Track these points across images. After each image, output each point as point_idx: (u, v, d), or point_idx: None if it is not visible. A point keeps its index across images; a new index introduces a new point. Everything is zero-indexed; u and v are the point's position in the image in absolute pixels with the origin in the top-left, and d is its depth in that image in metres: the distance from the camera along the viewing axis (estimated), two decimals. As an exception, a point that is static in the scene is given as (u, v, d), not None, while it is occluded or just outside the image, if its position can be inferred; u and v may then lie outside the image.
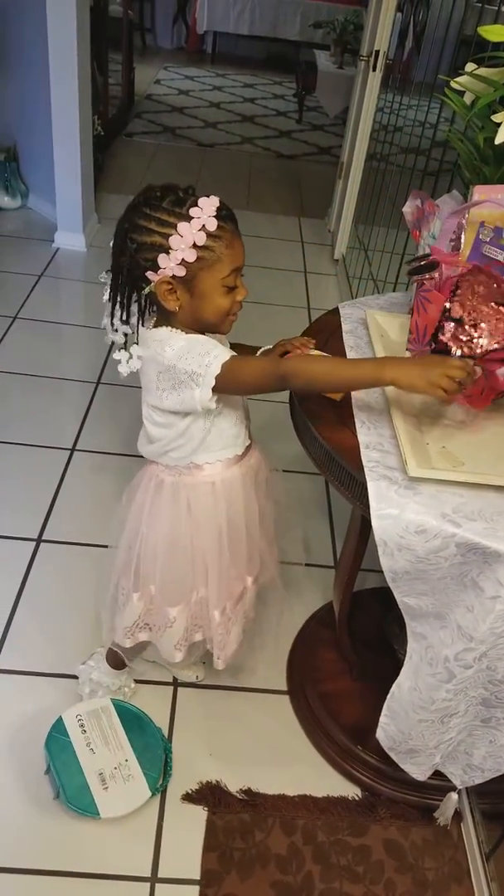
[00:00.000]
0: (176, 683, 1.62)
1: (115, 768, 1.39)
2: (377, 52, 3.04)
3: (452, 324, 1.07)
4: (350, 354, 1.30)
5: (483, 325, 1.06)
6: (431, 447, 1.09)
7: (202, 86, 6.70)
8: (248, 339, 1.30)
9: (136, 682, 1.60)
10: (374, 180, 3.20)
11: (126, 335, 1.17)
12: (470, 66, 1.28)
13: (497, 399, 1.15)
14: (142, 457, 1.28)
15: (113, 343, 1.17)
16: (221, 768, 1.47)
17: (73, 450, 2.26)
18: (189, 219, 1.03)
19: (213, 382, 1.07)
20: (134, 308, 1.16)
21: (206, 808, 1.40)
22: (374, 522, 0.99)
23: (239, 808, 1.41)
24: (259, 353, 1.28)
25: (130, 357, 1.14)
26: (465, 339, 1.06)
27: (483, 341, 1.06)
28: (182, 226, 1.03)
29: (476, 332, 1.06)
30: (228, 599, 1.33)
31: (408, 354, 1.25)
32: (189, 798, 1.42)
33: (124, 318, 1.15)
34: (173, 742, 1.50)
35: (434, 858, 1.38)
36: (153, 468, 1.26)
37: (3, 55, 3.41)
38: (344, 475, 1.09)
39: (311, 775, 1.49)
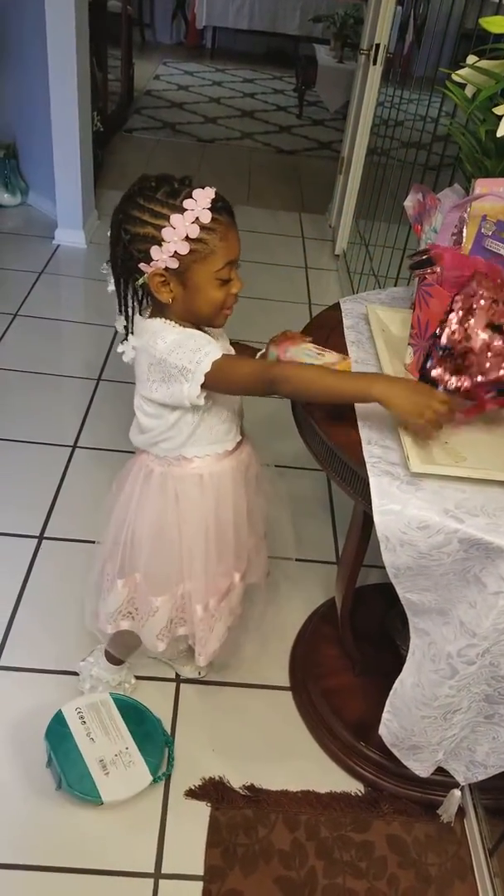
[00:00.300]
0: (178, 680, 1.62)
1: (116, 755, 1.40)
2: (377, 46, 3.02)
3: (441, 353, 1.05)
4: (351, 349, 1.30)
5: (473, 357, 1.04)
6: (433, 442, 1.08)
7: (202, 81, 6.68)
8: (248, 336, 1.29)
9: (139, 678, 1.60)
10: (375, 175, 3.19)
11: (124, 326, 1.18)
12: (471, 59, 1.27)
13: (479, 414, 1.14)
14: (142, 453, 1.28)
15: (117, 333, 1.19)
16: (224, 764, 1.47)
17: (74, 447, 2.26)
18: (182, 210, 1.02)
19: (202, 379, 1.07)
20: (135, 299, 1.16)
21: (209, 804, 1.40)
22: (377, 518, 0.99)
23: (242, 803, 1.41)
24: (258, 356, 1.27)
25: (124, 350, 1.16)
26: (451, 378, 1.04)
27: (469, 380, 1.04)
28: (175, 218, 1.02)
29: (465, 361, 1.04)
30: (213, 595, 1.32)
31: (410, 349, 1.25)
32: (192, 794, 1.42)
33: (121, 308, 1.16)
34: (176, 738, 1.50)
35: (437, 854, 1.38)
36: (143, 457, 1.26)
37: (2, 52, 3.40)
38: (346, 471, 1.09)
39: (314, 771, 1.49)
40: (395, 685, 1.20)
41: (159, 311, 1.14)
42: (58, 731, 1.41)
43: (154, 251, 1.05)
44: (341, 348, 1.30)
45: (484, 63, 1.25)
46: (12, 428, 2.29)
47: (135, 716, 1.47)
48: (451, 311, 1.06)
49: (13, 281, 3.10)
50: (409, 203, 1.33)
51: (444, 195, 1.27)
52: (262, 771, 1.47)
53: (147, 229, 1.04)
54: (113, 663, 1.53)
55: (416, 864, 1.35)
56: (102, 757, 1.39)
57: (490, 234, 1.11)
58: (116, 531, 1.30)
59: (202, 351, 1.07)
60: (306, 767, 1.49)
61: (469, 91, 1.29)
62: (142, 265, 1.07)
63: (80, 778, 1.35)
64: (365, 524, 1.37)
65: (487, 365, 1.03)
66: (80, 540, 1.92)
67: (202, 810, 1.40)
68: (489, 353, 1.04)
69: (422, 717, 1.17)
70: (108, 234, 1.10)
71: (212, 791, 1.42)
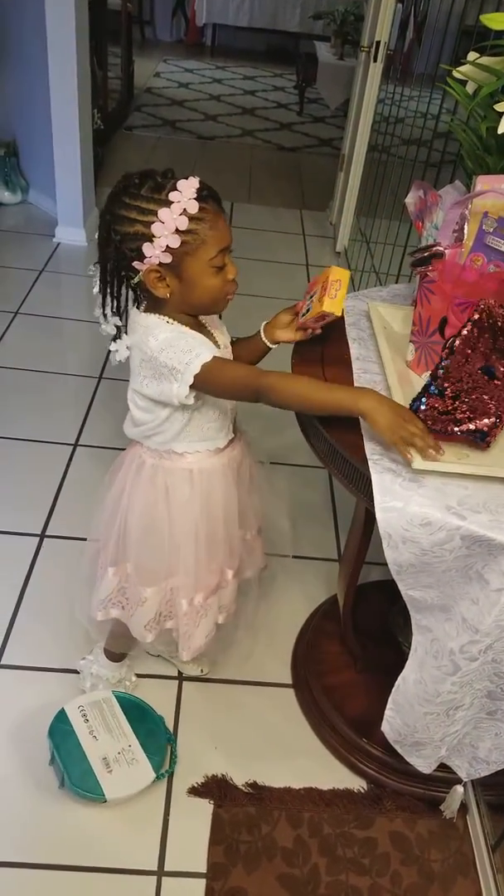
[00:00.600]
0: (181, 677, 1.63)
1: (119, 753, 1.40)
2: (378, 43, 3.02)
3: (434, 396, 1.05)
4: (353, 347, 1.30)
5: (465, 403, 1.05)
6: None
7: (202, 78, 6.67)
8: (250, 333, 1.29)
9: (142, 676, 1.60)
10: (376, 172, 3.19)
11: (118, 326, 1.18)
12: (472, 55, 1.27)
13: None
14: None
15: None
16: (227, 762, 1.48)
17: (75, 445, 2.26)
18: (169, 204, 1.02)
19: (191, 380, 1.07)
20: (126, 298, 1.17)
21: (212, 802, 1.41)
22: (379, 515, 0.99)
23: (245, 801, 1.41)
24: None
25: (118, 348, 1.16)
26: (440, 426, 1.05)
27: (459, 426, 1.05)
28: (163, 212, 1.02)
29: (455, 404, 1.05)
30: (200, 591, 1.32)
31: (411, 346, 1.25)
32: (195, 792, 1.42)
33: (115, 309, 1.16)
34: (178, 736, 1.51)
35: (440, 850, 1.38)
36: (137, 448, 1.27)
37: (3, 50, 3.40)
38: (348, 468, 1.09)
39: (317, 768, 1.49)
40: (397, 682, 1.20)
41: (155, 306, 1.14)
42: (61, 730, 1.42)
43: (146, 248, 1.05)
44: (343, 346, 1.30)
45: (485, 60, 1.25)
46: (13, 426, 2.29)
47: (137, 713, 1.47)
48: (452, 351, 1.07)
49: (14, 279, 3.10)
50: (411, 200, 1.33)
51: (445, 192, 1.27)
52: (265, 768, 1.47)
53: (136, 227, 1.04)
54: (112, 660, 1.54)
55: (418, 861, 1.36)
56: (105, 755, 1.39)
57: (492, 230, 1.11)
58: (109, 520, 1.31)
59: (193, 352, 1.07)
60: (309, 764, 1.50)
61: (470, 88, 1.29)
62: (135, 264, 1.07)
63: (83, 776, 1.36)
64: (367, 521, 1.37)
65: (468, 415, 1.05)
66: (82, 538, 1.90)
67: (205, 808, 1.40)
68: (482, 397, 1.05)
69: (424, 713, 1.17)
70: (97, 236, 1.10)
71: (214, 788, 1.42)
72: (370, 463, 1.02)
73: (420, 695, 1.15)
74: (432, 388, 1.06)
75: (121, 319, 1.17)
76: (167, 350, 1.08)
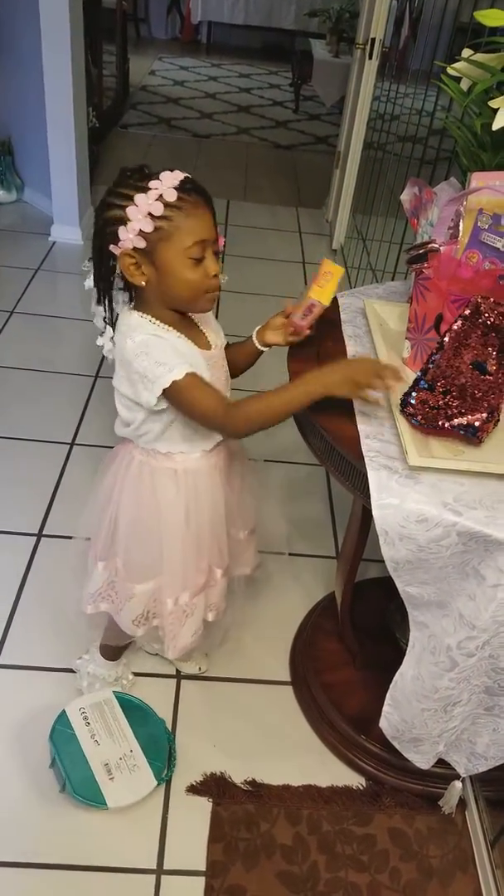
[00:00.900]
0: (179, 676, 1.63)
1: (121, 759, 1.39)
2: (373, 40, 3.01)
3: (424, 390, 1.06)
4: (349, 344, 1.30)
5: (455, 398, 1.05)
6: (432, 436, 1.08)
7: (197, 76, 6.66)
8: (246, 331, 1.29)
9: (139, 674, 1.60)
10: (372, 169, 3.19)
11: (105, 319, 1.19)
12: (467, 52, 1.27)
13: None
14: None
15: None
16: (226, 759, 1.48)
17: (72, 444, 2.25)
18: (146, 190, 1.04)
19: (159, 393, 1.08)
20: (121, 298, 1.18)
21: (210, 800, 1.41)
22: (375, 512, 0.99)
23: (244, 798, 1.41)
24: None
25: (104, 343, 1.18)
26: (431, 421, 1.05)
27: (450, 420, 1.05)
28: (139, 197, 1.04)
29: (445, 399, 1.06)
30: (186, 590, 1.32)
31: (407, 343, 1.25)
32: (194, 790, 1.42)
33: (101, 300, 1.17)
34: (177, 734, 1.51)
35: (439, 846, 1.38)
36: (129, 445, 1.28)
37: (-3, 48, 3.39)
38: (344, 465, 1.09)
39: (315, 765, 1.49)
40: (395, 678, 1.20)
41: (140, 302, 1.14)
42: (62, 733, 1.41)
43: (121, 231, 1.06)
44: (339, 343, 1.30)
45: (479, 56, 1.25)
46: (10, 426, 2.29)
47: (139, 716, 1.46)
48: (441, 346, 1.07)
49: (9, 278, 3.10)
50: (406, 197, 1.33)
51: (440, 189, 1.27)
52: (264, 766, 1.47)
53: (114, 211, 1.06)
54: (109, 659, 1.53)
55: (417, 857, 1.36)
56: (107, 761, 1.38)
57: (486, 227, 1.11)
58: (101, 514, 1.31)
59: (166, 366, 1.07)
60: (307, 761, 1.50)
61: (465, 85, 1.29)
62: (112, 247, 1.08)
63: (84, 782, 1.35)
64: (364, 518, 1.37)
65: (459, 410, 1.05)
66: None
67: (204, 806, 1.40)
68: (472, 393, 1.06)
69: (422, 709, 1.17)
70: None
71: (213, 786, 1.42)
72: (366, 460, 1.02)
73: (418, 691, 1.16)
74: (422, 382, 1.06)
75: (106, 311, 1.18)
76: (141, 357, 1.08)
